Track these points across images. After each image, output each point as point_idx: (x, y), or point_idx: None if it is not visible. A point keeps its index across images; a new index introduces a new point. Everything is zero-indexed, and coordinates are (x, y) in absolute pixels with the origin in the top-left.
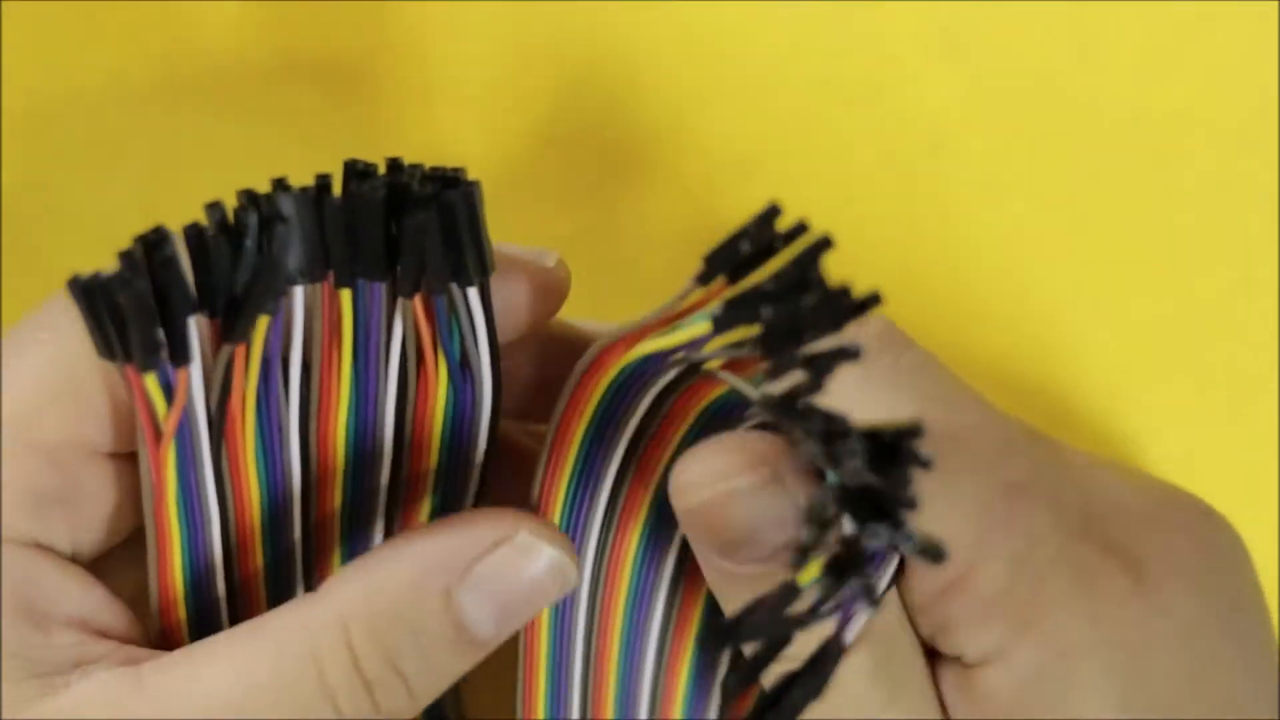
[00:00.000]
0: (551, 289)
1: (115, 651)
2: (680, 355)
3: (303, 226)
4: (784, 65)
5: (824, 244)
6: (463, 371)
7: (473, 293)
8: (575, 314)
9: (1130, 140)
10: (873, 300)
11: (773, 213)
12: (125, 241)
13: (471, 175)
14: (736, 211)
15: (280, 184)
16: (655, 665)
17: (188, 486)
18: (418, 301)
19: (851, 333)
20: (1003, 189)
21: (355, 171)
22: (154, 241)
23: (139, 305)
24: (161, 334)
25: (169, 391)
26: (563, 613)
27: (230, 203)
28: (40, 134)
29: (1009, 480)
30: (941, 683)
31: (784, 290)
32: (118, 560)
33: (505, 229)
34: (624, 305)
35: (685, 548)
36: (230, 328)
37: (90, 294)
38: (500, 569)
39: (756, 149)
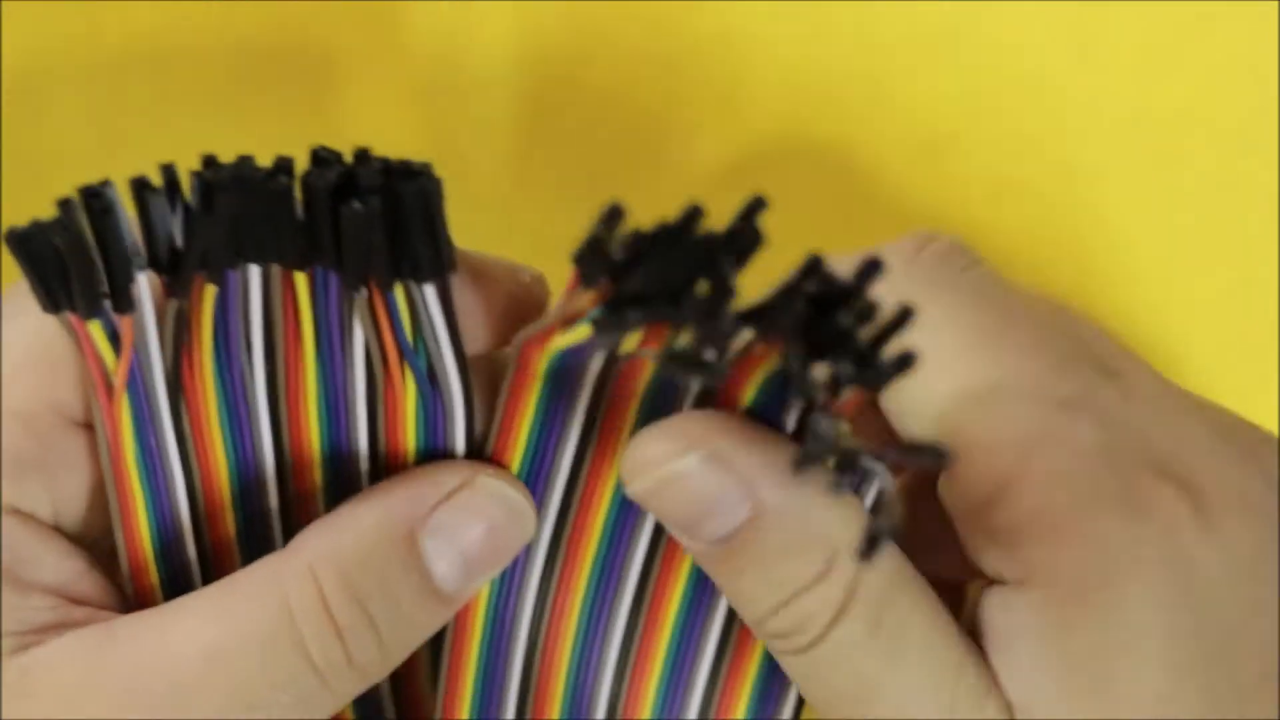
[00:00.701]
0: (525, 303)
1: (92, 617)
2: (592, 353)
3: (253, 205)
4: (784, 65)
5: (710, 238)
6: (431, 383)
7: (429, 290)
8: None
9: (1130, 140)
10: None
11: (615, 213)
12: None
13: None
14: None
15: (212, 160)
16: (620, 657)
17: (147, 446)
18: (377, 300)
19: (916, 247)
20: (1003, 189)
21: (317, 159)
22: (94, 192)
23: (76, 248)
24: (103, 280)
25: (116, 342)
26: (505, 596)
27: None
28: (38, 128)
29: (1062, 396)
30: (984, 611)
31: (654, 290)
32: (103, 532)
33: (499, 229)
34: None
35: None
36: (173, 282)
37: (26, 242)
38: (460, 512)
39: (756, 149)
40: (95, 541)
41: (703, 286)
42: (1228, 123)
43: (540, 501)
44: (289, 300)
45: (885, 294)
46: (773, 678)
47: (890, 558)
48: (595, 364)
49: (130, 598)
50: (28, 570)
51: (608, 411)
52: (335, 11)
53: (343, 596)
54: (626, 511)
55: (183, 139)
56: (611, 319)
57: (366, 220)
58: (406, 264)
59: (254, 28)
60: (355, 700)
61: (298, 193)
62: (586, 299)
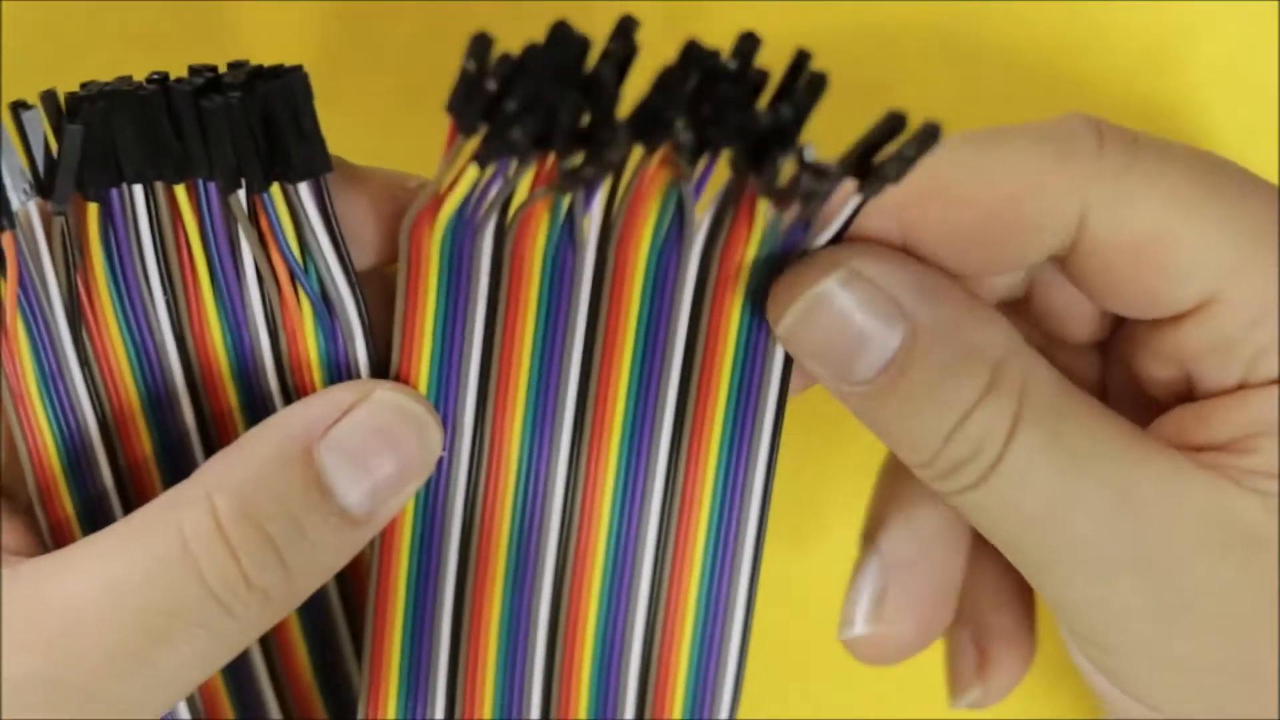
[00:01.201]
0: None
1: (3, 563)
2: (489, 199)
3: (123, 116)
4: (784, 62)
5: (578, 44)
6: (326, 304)
7: (305, 190)
8: None
9: None
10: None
11: (483, 41)
12: None
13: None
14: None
15: (89, 84)
16: (556, 572)
17: (48, 370)
18: (259, 210)
19: (1055, 123)
20: None
21: (191, 70)
22: None
23: None
24: None
25: (2, 264)
26: (429, 519)
27: None
28: None
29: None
30: (1181, 417)
31: (527, 104)
32: (20, 481)
33: None
34: None
35: (582, 396)
36: (53, 198)
37: None
38: (358, 427)
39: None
40: (16, 492)
41: (576, 99)
42: (1228, 123)
43: (452, 416)
44: (178, 220)
45: (1106, 204)
46: (703, 677)
47: (1044, 366)
48: (488, 238)
49: (46, 532)
50: None
51: (509, 307)
52: (333, 13)
53: (237, 517)
54: (544, 411)
55: None
56: (493, 144)
57: (225, 115)
58: (280, 166)
59: (251, 28)
60: (304, 619)
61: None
62: (468, 149)
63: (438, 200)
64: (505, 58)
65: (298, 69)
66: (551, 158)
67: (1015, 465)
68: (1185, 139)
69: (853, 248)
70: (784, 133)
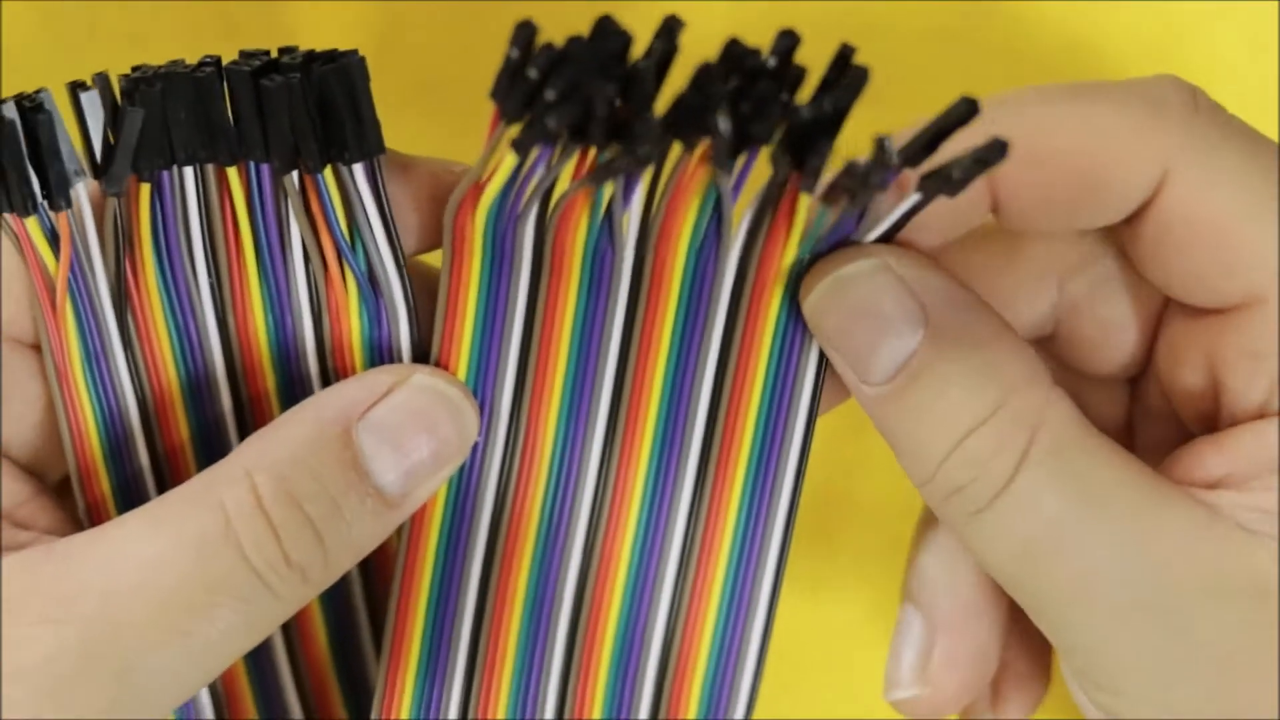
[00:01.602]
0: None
1: (34, 540)
2: (531, 188)
3: (179, 98)
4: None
5: (621, 38)
6: (372, 285)
7: (359, 171)
8: None
9: None
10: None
11: (527, 29)
12: None
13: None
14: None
15: (141, 67)
16: (581, 568)
17: (93, 350)
18: (310, 189)
19: (1187, 103)
20: None
21: (242, 54)
22: (27, 95)
23: (7, 142)
24: (35, 177)
25: (57, 245)
26: (460, 504)
27: None
28: None
29: None
30: (1199, 449)
31: (568, 91)
32: (54, 461)
33: None
34: None
35: (617, 393)
36: (107, 179)
37: None
38: (396, 409)
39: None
40: (46, 471)
41: (610, 89)
42: None
43: (489, 403)
44: (226, 202)
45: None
46: (721, 678)
47: (1066, 401)
48: (529, 229)
49: (82, 511)
50: None
51: (549, 300)
52: (335, 11)
53: (278, 496)
54: (579, 405)
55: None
56: (530, 131)
57: (285, 95)
58: (335, 149)
59: (255, 28)
60: (326, 609)
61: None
62: (510, 136)
63: (479, 187)
64: (548, 47)
65: (353, 53)
66: (592, 150)
67: (1023, 494)
68: None
69: (890, 248)
70: (826, 126)
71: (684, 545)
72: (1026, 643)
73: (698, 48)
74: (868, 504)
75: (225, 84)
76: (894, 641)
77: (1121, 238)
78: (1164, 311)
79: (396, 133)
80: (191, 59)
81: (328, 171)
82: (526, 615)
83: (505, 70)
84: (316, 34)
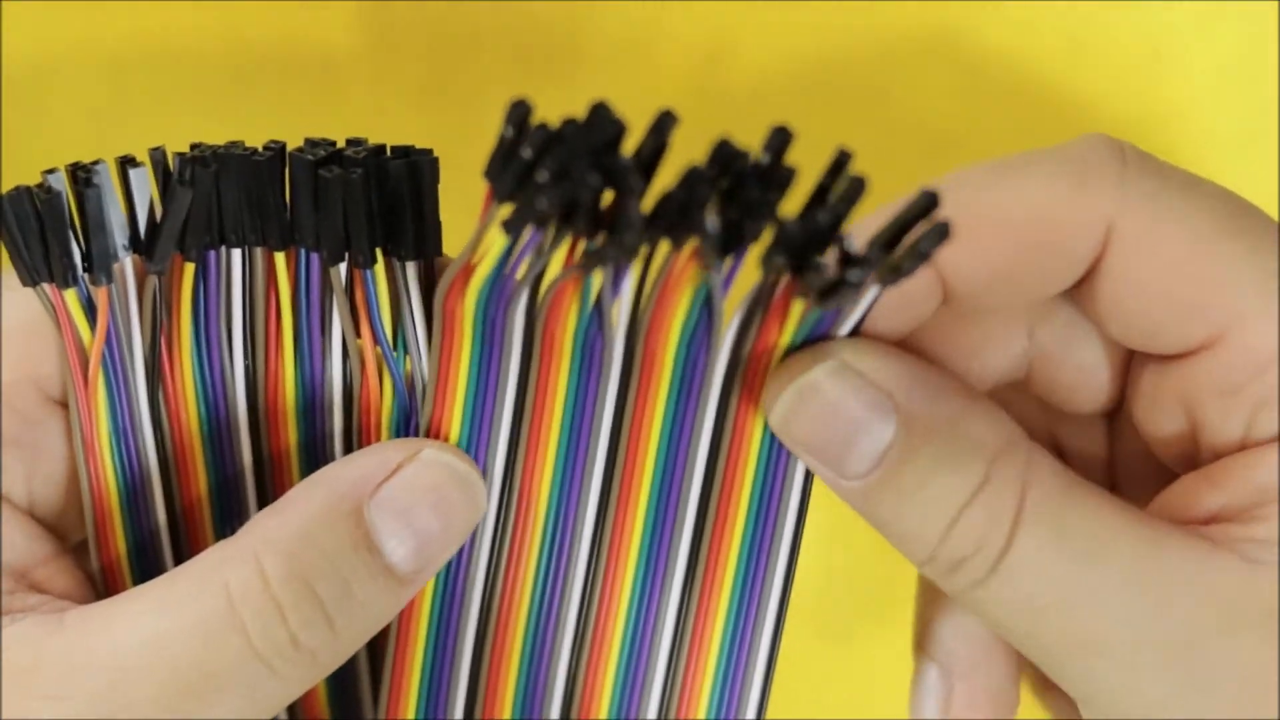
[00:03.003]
0: None
1: (46, 604)
2: (521, 273)
3: (234, 184)
4: (784, 65)
5: (615, 126)
6: (409, 388)
7: (411, 270)
8: None
9: (1130, 140)
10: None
11: (522, 109)
12: None
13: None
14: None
15: (198, 145)
16: (575, 642)
17: (121, 428)
18: (356, 284)
19: (1117, 160)
20: None
21: (308, 142)
22: (81, 166)
23: (53, 213)
24: (79, 250)
25: (92, 315)
26: (452, 578)
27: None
28: (38, 128)
29: None
30: (1192, 485)
31: (559, 175)
32: (76, 522)
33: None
34: None
35: (607, 482)
36: (151, 257)
37: (5, 209)
38: (407, 486)
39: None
40: (68, 531)
41: (596, 179)
42: (1228, 122)
43: (483, 472)
44: (271, 286)
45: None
46: (731, 675)
47: (1047, 457)
48: (519, 314)
49: (96, 572)
50: None
51: (538, 387)
52: (336, 12)
53: (286, 575)
54: (571, 476)
55: (184, 141)
56: (520, 213)
57: (346, 186)
58: (390, 243)
59: (256, 29)
60: (331, 692)
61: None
62: (501, 216)
63: (469, 269)
64: (542, 128)
65: (427, 152)
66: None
67: (1023, 558)
68: (1185, 141)
69: (846, 342)
70: (821, 236)
71: (675, 633)
72: (990, 654)
73: (699, 47)
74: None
75: (284, 168)
76: (913, 693)
77: (1078, 300)
78: (1132, 357)
79: (397, 132)
80: (192, 59)
81: (378, 268)
82: (518, 703)
83: (499, 149)
84: (317, 33)
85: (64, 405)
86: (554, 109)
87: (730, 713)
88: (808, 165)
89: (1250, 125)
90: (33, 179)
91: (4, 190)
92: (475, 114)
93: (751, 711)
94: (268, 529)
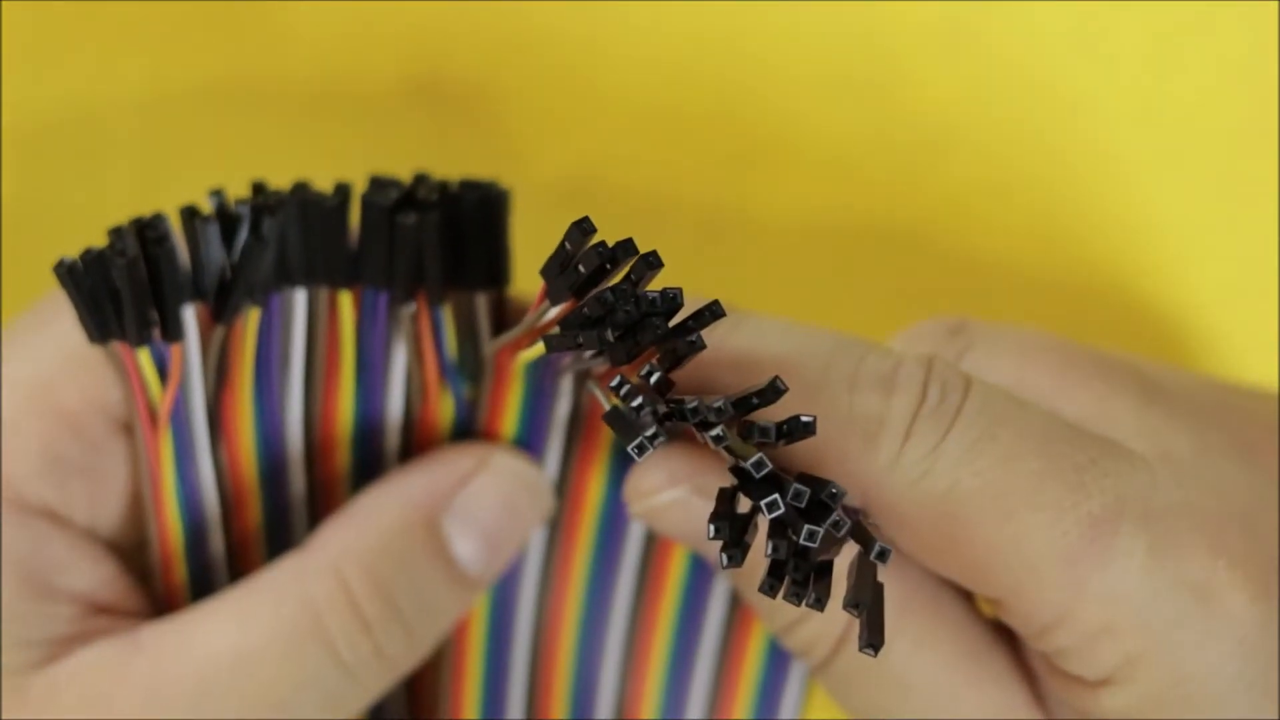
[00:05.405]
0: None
1: (115, 626)
2: (566, 363)
3: (300, 226)
4: (784, 65)
5: (650, 262)
6: (468, 409)
7: (481, 300)
8: None
9: (1130, 140)
10: (713, 311)
11: (584, 229)
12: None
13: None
14: (736, 212)
15: (260, 187)
16: (623, 650)
17: (186, 476)
18: (423, 317)
19: (907, 365)
20: (1003, 189)
21: (375, 183)
22: (147, 222)
23: (130, 277)
24: (153, 309)
25: (163, 371)
26: (504, 593)
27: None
28: (40, 142)
29: (1090, 513)
30: (1065, 692)
31: (601, 312)
32: (135, 539)
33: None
34: None
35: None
36: (220, 309)
37: (77, 273)
38: (479, 494)
39: (756, 148)
40: (128, 549)
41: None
42: (1229, 122)
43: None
44: (332, 325)
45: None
46: (774, 674)
47: (956, 601)
48: (568, 376)
49: (159, 597)
50: (57, 576)
51: (591, 407)
52: (334, 11)
53: (369, 590)
54: (617, 503)
55: (182, 150)
56: (563, 338)
57: (420, 232)
58: (461, 274)
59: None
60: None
61: (354, 217)
62: (554, 314)
63: (518, 342)
64: (601, 245)
65: (496, 185)
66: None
67: (845, 666)
68: (1186, 139)
69: (700, 459)
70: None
71: (723, 634)
72: None
73: (697, 47)
74: None
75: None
76: None
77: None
78: None
79: (397, 132)
80: (192, 59)
81: (447, 308)
82: (571, 703)
83: (557, 256)
84: (317, 33)
85: (128, 428)
86: (547, 111)
87: (771, 712)
88: (808, 163)
89: (1250, 125)
90: (77, 223)
91: (60, 244)
92: (474, 114)
93: (790, 711)
94: (345, 541)
